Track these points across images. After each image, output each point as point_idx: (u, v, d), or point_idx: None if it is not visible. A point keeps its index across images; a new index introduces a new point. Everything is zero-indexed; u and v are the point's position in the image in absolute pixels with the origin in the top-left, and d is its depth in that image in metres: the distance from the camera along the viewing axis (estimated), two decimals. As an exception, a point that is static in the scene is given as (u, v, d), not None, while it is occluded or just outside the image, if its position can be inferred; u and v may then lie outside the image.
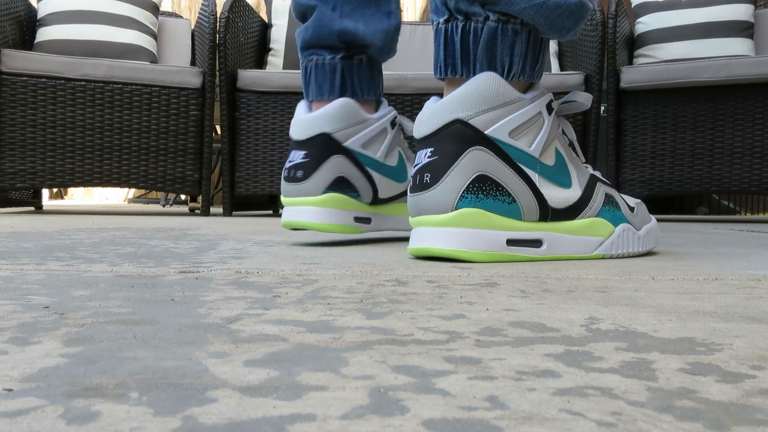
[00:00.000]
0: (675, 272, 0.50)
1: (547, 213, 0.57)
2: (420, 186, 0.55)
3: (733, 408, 0.18)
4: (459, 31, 0.56)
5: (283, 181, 0.74)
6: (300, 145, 0.72)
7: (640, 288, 0.41)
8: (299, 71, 0.84)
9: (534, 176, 0.56)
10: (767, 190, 1.70)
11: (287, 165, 0.73)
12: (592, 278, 0.46)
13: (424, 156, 0.55)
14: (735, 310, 0.33)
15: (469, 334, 0.27)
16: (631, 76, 1.76)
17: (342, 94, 0.74)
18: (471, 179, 0.54)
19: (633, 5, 2.00)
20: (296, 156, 0.72)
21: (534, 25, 0.56)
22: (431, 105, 0.56)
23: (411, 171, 0.61)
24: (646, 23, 1.94)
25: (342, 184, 0.73)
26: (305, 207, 0.72)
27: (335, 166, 0.72)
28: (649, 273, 0.49)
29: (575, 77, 1.76)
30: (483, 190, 0.54)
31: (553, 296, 0.37)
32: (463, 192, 0.54)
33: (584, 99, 0.59)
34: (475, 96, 0.54)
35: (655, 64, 1.80)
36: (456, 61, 0.56)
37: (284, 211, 0.74)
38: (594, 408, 0.18)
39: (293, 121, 0.74)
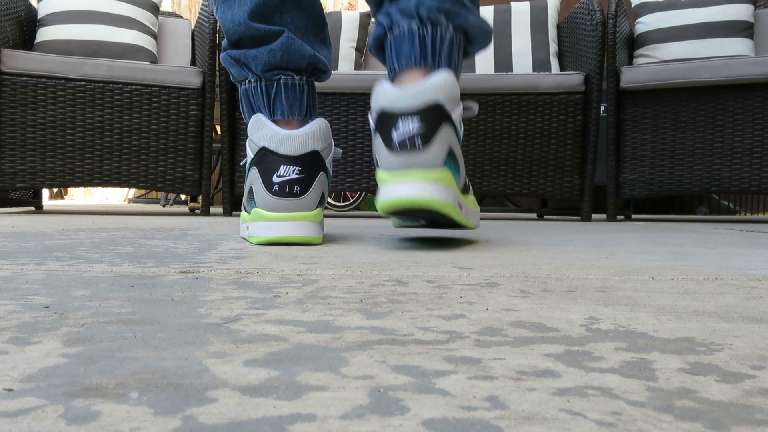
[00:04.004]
0: (675, 272, 0.50)
1: (464, 186, 0.71)
2: (412, 146, 0.63)
3: (733, 408, 0.18)
4: (429, 34, 0.69)
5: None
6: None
7: (640, 288, 0.41)
8: None
9: (461, 156, 0.69)
10: (767, 190, 1.70)
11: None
12: (592, 278, 0.46)
13: (410, 123, 0.63)
14: (735, 310, 0.33)
15: (469, 334, 0.27)
16: (631, 76, 1.76)
17: (308, 114, 0.79)
18: (446, 149, 0.64)
19: (633, 5, 2.00)
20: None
21: (472, 39, 0.73)
22: (416, 86, 0.64)
23: (394, 136, 0.64)
24: (646, 23, 1.94)
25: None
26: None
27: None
28: (649, 273, 0.49)
29: (575, 77, 1.76)
30: (451, 158, 0.65)
31: (553, 296, 0.37)
32: (444, 157, 0.64)
33: (475, 108, 0.72)
34: (445, 87, 0.64)
35: (655, 64, 1.80)
36: (427, 57, 0.69)
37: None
38: (594, 408, 0.18)
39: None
